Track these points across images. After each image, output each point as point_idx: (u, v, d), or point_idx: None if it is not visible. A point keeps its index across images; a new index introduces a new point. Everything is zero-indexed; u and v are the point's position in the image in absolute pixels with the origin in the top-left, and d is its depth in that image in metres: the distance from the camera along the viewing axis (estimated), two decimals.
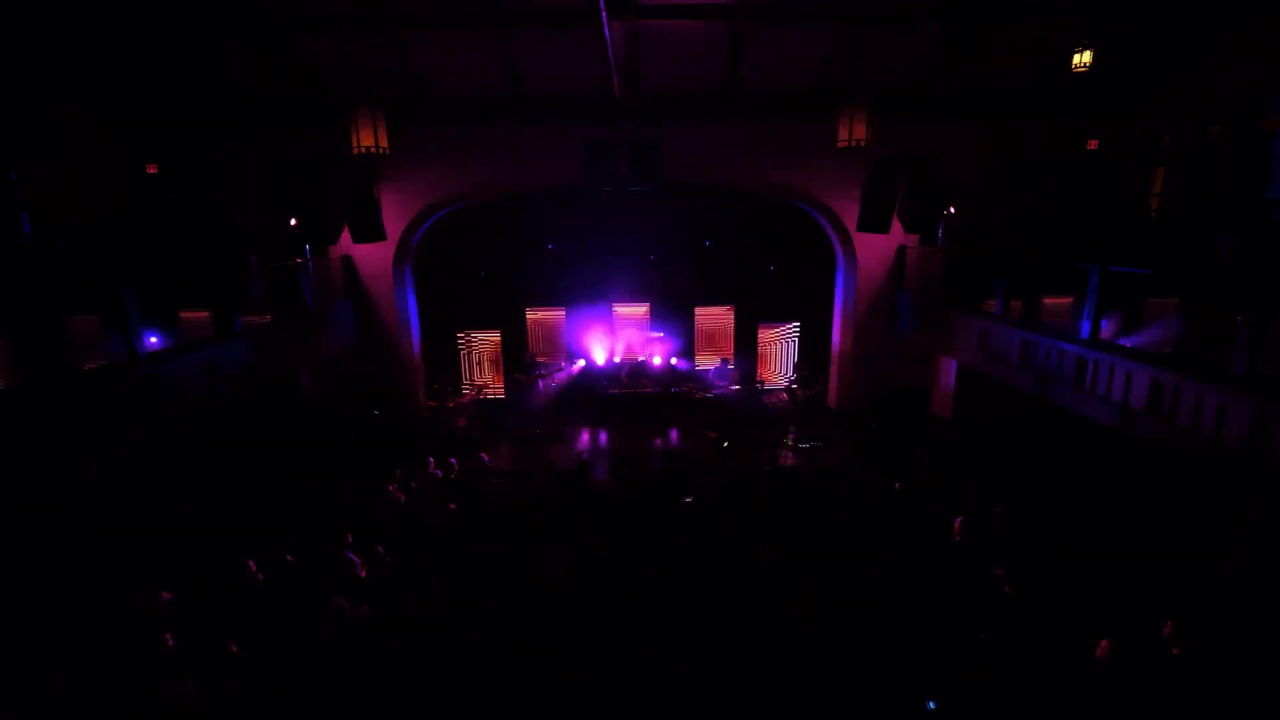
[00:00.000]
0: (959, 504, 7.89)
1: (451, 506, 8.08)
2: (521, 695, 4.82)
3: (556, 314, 15.26)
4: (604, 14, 8.10)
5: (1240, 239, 6.85)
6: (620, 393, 13.66)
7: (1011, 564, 6.37)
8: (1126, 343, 6.91)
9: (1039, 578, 6.02)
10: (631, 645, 5.22)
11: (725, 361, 14.90)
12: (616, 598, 5.99)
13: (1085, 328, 7.24)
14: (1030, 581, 5.97)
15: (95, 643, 5.37)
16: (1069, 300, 7.95)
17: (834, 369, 13.85)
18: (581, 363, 15.28)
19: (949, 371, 12.74)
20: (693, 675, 4.85)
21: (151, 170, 12.23)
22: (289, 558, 6.65)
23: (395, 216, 12.49)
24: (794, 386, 14.38)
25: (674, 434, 13.06)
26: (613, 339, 15.30)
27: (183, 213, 12.26)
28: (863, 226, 11.14)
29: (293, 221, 10.65)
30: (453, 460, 9.74)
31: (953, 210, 11.14)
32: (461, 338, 15.00)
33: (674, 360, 15.16)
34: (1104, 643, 4.92)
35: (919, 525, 7.48)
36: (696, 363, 15.30)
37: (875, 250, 12.92)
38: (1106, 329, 7.09)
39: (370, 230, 10.56)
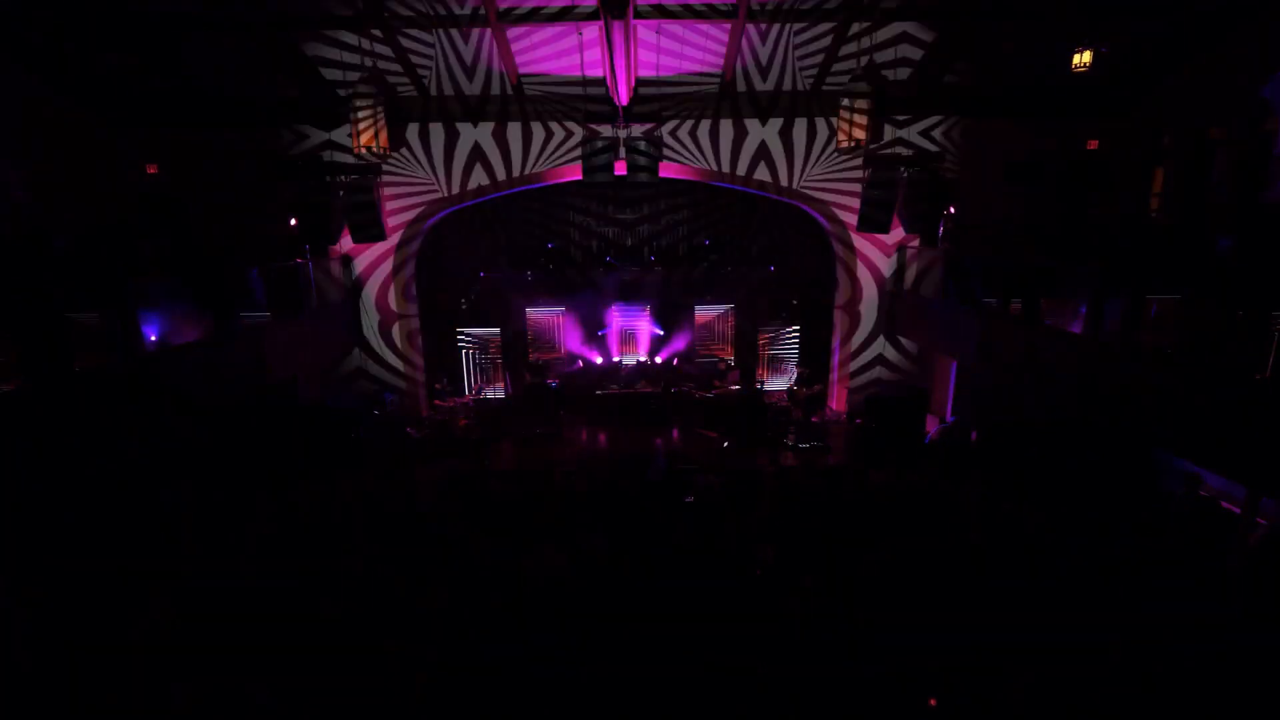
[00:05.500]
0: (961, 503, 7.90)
1: (453, 506, 8.08)
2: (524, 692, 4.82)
3: (557, 313, 15.26)
4: (603, 13, 8.11)
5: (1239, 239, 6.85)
6: (620, 392, 13.65)
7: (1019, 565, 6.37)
8: (1128, 342, 6.91)
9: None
10: (633, 644, 5.22)
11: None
12: (617, 598, 5.99)
13: (1086, 327, 7.25)
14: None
15: (96, 646, 5.37)
16: (1069, 300, 7.96)
17: (834, 369, 13.86)
18: (582, 362, 15.28)
19: (949, 371, 12.76)
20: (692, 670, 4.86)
21: (151, 170, 12.24)
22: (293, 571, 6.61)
23: (395, 216, 12.51)
24: (794, 386, 14.38)
25: (674, 434, 13.06)
26: (613, 339, 15.30)
27: (183, 213, 12.27)
28: (863, 226, 11.14)
29: (293, 221, 10.65)
30: (451, 461, 9.75)
31: (953, 210, 11.14)
32: (462, 337, 15.00)
33: (675, 360, 15.18)
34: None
35: (919, 523, 7.46)
36: (696, 363, 15.30)
37: (875, 250, 12.94)
38: (1107, 328, 7.09)
39: (370, 230, 10.56)
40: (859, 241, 12.80)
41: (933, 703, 4.64)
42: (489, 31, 10.37)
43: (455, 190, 12.61)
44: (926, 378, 13.06)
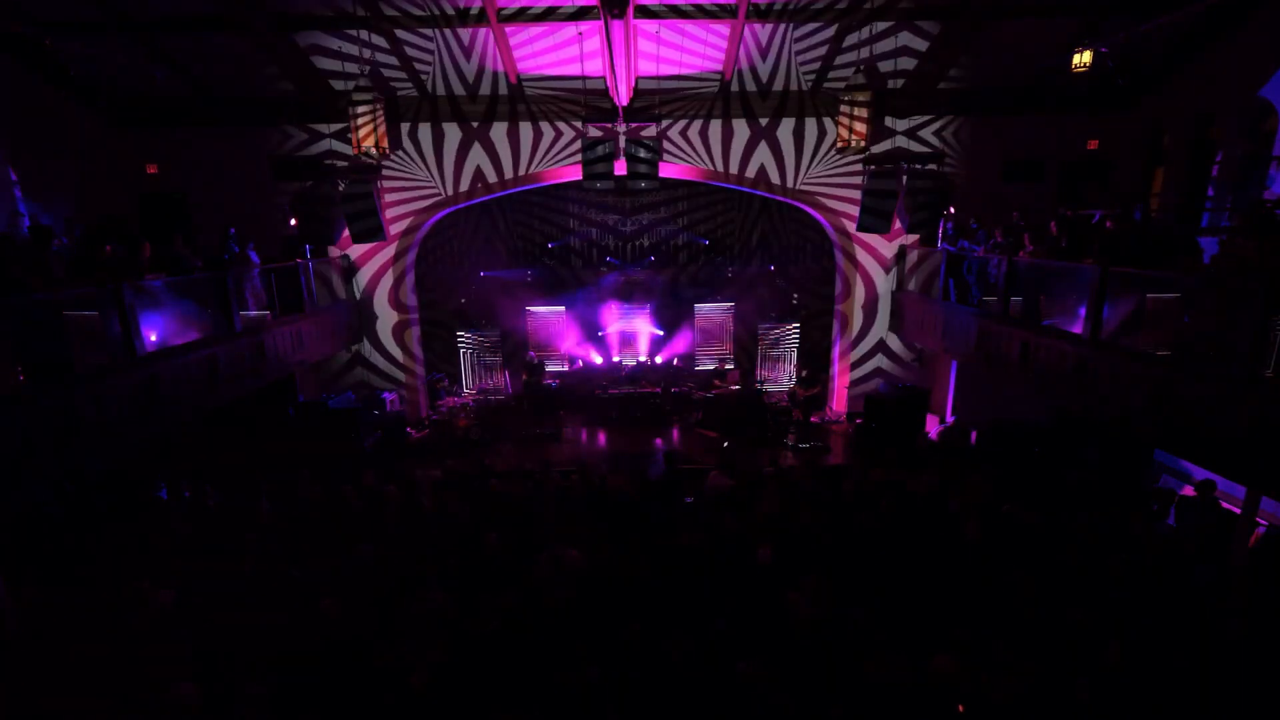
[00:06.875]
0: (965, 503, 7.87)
1: (453, 506, 8.06)
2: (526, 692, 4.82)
3: (556, 313, 15.25)
4: (604, 13, 8.11)
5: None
6: (620, 392, 13.65)
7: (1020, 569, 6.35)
8: (1127, 342, 6.91)
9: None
10: (632, 644, 5.22)
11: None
12: (618, 598, 5.99)
13: (1085, 327, 7.24)
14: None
15: (96, 644, 5.37)
16: (1069, 300, 7.94)
17: (834, 369, 13.86)
18: (581, 362, 15.28)
19: (949, 371, 12.76)
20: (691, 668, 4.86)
21: (151, 170, 12.25)
22: (293, 571, 6.60)
23: (395, 216, 12.52)
24: (794, 387, 14.39)
25: (674, 434, 13.05)
26: (613, 339, 15.30)
27: (182, 212, 12.29)
28: (863, 227, 11.14)
29: (293, 221, 10.67)
30: (451, 461, 9.74)
31: (953, 210, 11.14)
32: (461, 337, 15.00)
33: (675, 360, 15.18)
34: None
35: (919, 524, 7.45)
36: (696, 363, 15.30)
37: (875, 250, 12.94)
38: (1107, 328, 7.08)
39: (370, 230, 10.58)
40: (859, 241, 12.79)
41: (960, 709, 4.60)
42: (489, 31, 10.36)
43: (455, 190, 12.61)
44: (927, 377, 13.05)
